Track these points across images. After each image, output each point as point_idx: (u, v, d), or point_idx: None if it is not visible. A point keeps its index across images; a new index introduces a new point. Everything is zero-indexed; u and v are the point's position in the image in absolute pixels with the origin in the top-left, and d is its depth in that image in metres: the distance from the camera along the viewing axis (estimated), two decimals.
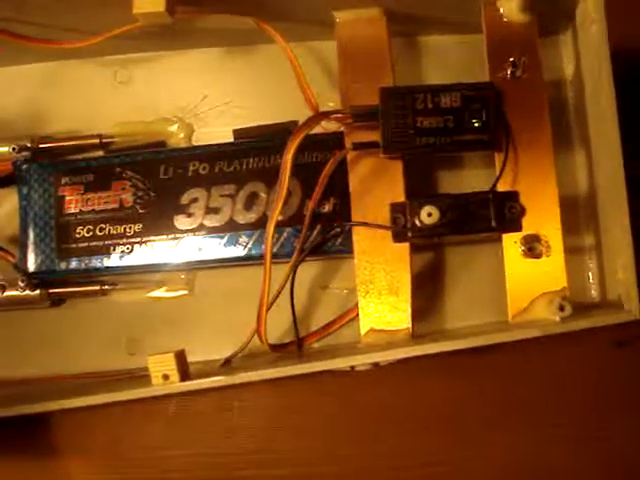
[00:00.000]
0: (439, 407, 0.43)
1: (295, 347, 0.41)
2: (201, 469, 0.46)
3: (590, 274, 0.42)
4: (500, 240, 0.39)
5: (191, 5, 0.39)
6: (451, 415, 0.44)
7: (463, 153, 0.40)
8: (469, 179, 0.42)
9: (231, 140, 0.44)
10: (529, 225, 0.38)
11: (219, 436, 0.46)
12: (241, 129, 0.44)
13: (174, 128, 0.45)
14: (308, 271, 0.42)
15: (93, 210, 0.42)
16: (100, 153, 0.45)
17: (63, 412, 0.42)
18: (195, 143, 0.44)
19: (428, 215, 0.36)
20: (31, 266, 0.43)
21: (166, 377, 0.36)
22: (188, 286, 0.44)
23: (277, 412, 0.46)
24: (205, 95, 0.45)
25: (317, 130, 0.39)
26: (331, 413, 0.45)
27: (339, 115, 0.38)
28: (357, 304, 0.40)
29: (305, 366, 0.37)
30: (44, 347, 0.45)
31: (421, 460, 0.44)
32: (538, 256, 0.38)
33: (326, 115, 0.38)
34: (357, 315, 0.40)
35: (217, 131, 0.44)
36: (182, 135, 0.45)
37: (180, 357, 0.37)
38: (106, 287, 0.44)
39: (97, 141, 0.44)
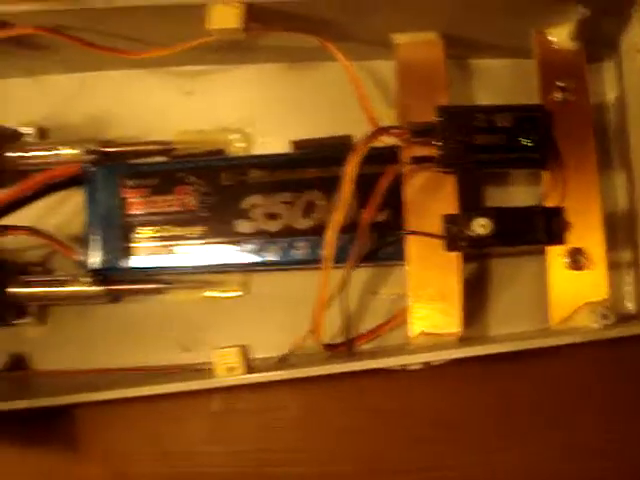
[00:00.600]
0: (475, 412, 0.46)
1: (345, 348, 0.43)
2: (240, 466, 0.48)
3: (627, 287, 0.44)
4: (544, 252, 0.41)
5: (262, 22, 0.41)
6: (487, 421, 0.46)
7: (512, 170, 0.43)
8: (513, 195, 0.45)
9: (288, 150, 0.46)
10: (573, 239, 0.40)
11: (260, 434, 0.48)
12: (299, 140, 0.46)
13: (233, 137, 0.47)
14: (358, 276, 0.45)
15: (157, 212, 0.45)
16: (162, 159, 0.47)
17: (106, 404, 0.45)
18: (253, 152, 0.47)
19: (481, 226, 0.39)
20: (95, 263, 0.45)
21: (231, 369, 0.39)
22: (243, 287, 0.46)
23: (318, 412, 0.48)
24: (264, 107, 0.47)
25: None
26: (372, 414, 0.47)
27: (398, 130, 0.41)
28: (405, 309, 0.43)
29: (362, 363, 0.39)
30: (100, 341, 0.47)
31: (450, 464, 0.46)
32: (580, 268, 0.41)
33: (386, 130, 0.41)
34: (405, 319, 0.42)
35: (274, 142, 0.47)
36: (241, 144, 0.47)
37: (244, 351, 0.39)
38: (164, 286, 0.46)
39: (160, 147, 0.47)
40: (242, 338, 0.44)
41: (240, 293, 0.46)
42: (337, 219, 0.40)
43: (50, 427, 0.49)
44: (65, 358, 0.47)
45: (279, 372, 0.40)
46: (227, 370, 0.39)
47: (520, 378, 0.45)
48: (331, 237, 0.40)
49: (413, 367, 0.40)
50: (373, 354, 0.42)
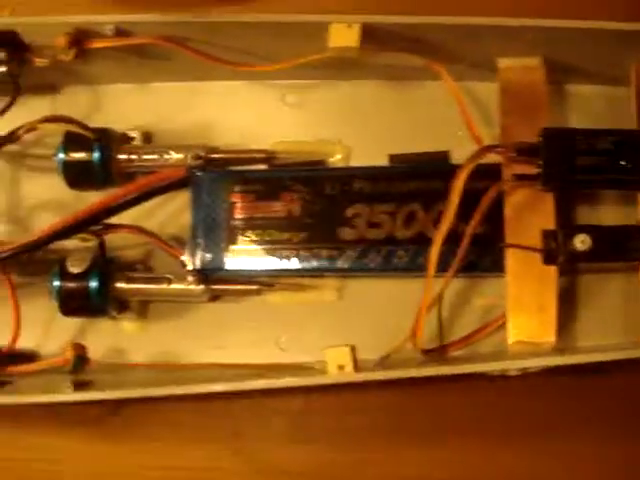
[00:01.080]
0: (566, 421, 0.48)
1: (440, 353, 0.45)
2: (320, 466, 0.50)
3: None
4: (637, 270, 0.43)
5: (376, 42, 0.44)
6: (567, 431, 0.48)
7: (609, 190, 0.45)
8: (602, 213, 0.47)
9: (385, 164, 0.49)
10: None
11: (340, 435, 0.50)
12: (396, 154, 0.49)
13: (334, 149, 0.50)
14: (452, 286, 0.47)
15: (261, 217, 0.47)
16: (262, 167, 0.50)
17: (195, 399, 0.47)
18: (351, 164, 0.49)
19: (581, 242, 0.41)
20: (199, 263, 0.47)
21: (341, 367, 0.41)
22: (338, 291, 0.49)
23: (400, 415, 0.50)
24: (363, 121, 0.50)
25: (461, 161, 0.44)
26: (456, 420, 0.49)
27: (503, 149, 0.43)
28: (497, 318, 0.45)
29: (464, 367, 0.42)
30: (197, 338, 0.49)
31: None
32: None
33: (492, 148, 0.43)
34: (496, 328, 0.45)
35: (372, 155, 0.49)
36: (340, 156, 0.50)
37: (353, 351, 0.41)
38: (263, 287, 0.48)
39: (263, 156, 0.49)
40: (336, 340, 0.47)
41: (336, 297, 0.48)
42: (443, 230, 0.42)
43: (134, 419, 0.51)
44: (162, 353, 0.49)
45: (387, 372, 0.42)
46: (338, 368, 0.41)
47: (606, 390, 0.47)
48: (436, 247, 0.42)
49: (511, 373, 0.42)
50: (469, 359, 0.44)
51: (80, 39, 0.46)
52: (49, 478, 0.52)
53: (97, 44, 0.46)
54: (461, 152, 0.47)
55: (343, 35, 0.43)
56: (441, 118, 0.48)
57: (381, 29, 0.43)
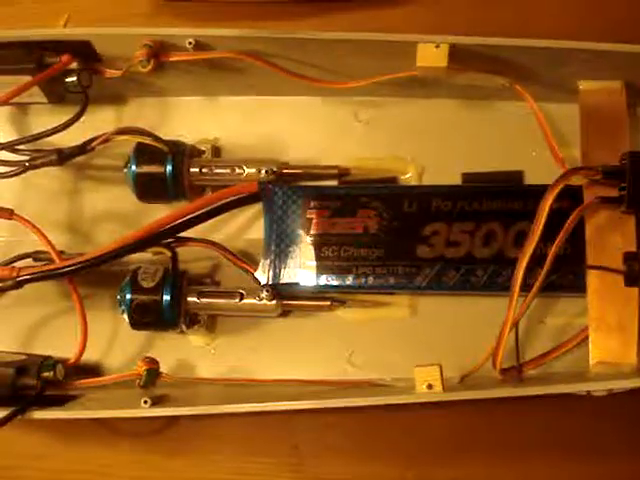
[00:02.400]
0: None
1: (516, 372, 0.46)
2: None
3: None
4: None
5: (461, 63, 0.44)
6: None
7: None
8: None
9: (457, 182, 0.49)
10: None
11: (406, 451, 0.50)
12: (470, 173, 0.49)
13: (406, 167, 0.50)
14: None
15: (337, 233, 0.47)
16: (334, 183, 0.50)
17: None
18: (424, 182, 0.49)
19: None
20: (272, 278, 0.47)
21: (430, 386, 0.41)
22: (411, 309, 0.49)
23: (473, 434, 0.50)
24: (437, 139, 0.50)
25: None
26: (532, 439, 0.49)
27: (589, 171, 0.44)
28: (572, 338, 0.46)
29: (548, 387, 0.42)
30: (268, 353, 0.49)
31: None
32: None
33: (578, 170, 0.43)
34: (571, 348, 0.46)
35: (443, 173, 0.49)
36: (411, 174, 0.50)
37: (441, 370, 0.41)
38: (335, 304, 0.48)
39: (335, 172, 0.49)
40: (407, 358, 0.47)
41: (408, 315, 0.49)
42: (529, 251, 0.43)
43: (189, 433, 0.51)
44: (230, 367, 0.49)
45: (477, 392, 0.42)
46: (427, 387, 0.41)
47: None
48: (522, 268, 0.43)
49: (597, 394, 0.42)
50: (547, 380, 0.45)
51: (158, 52, 0.46)
52: None
53: (176, 57, 0.46)
54: (535, 173, 0.48)
55: (431, 55, 0.43)
56: (515, 139, 0.49)
57: (467, 50, 0.44)
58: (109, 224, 0.52)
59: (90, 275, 0.49)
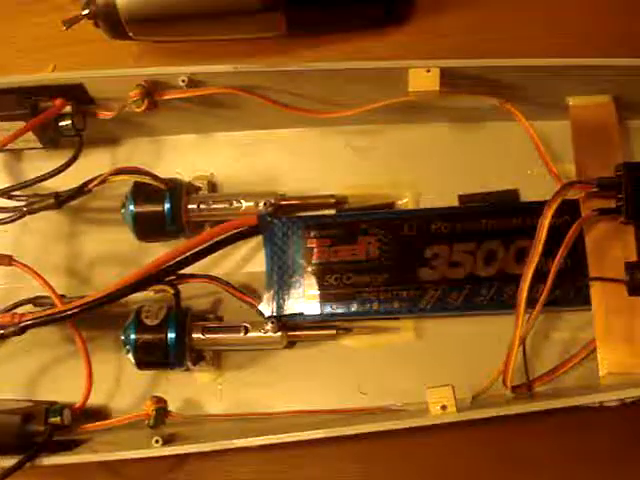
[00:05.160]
0: None
1: (526, 389, 0.46)
2: None
3: None
4: None
5: (451, 86, 0.45)
6: None
7: None
8: None
9: (454, 204, 0.49)
10: None
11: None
12: (466, 195, 0.49)
13: (402, 191, 0.50)
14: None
15: (339, 261, 0.47)
16: (331, 211, 0.50)
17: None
18: (421, 206, 0.50)
19: None
20: (276, 309, 0.47)
21: (444, 407, 0.41)
22: (415, 332, 0.49)
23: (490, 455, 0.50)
24: (431, 163, 0.50)
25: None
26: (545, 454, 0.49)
27: (584, 185, 0.44)
28: (580, 351, 0.46)
29: (560, 401, 0.42)
30: (275, 385, 0.49)
31: None
32: None
33: (573, 184, 0.44)
34: (579, 362, 0.46)
35: (440, 196, 0.50)
36: (409, 198, 0.50)
37: (454, 391, 0.41)
38: (340, 332, 0.48)
39: (332, 201, 0.50)
40: (415, 381, 0.47)
41: (413, 338, 0.49)
42: (532, 267, 0.43)
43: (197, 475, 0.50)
44: (238, 402, 0.49)
45: (492, 409, 0.42)
46: (441, 408, 0.41)
47: None
48: (526, 284, 0.43)
49: (610, 404, 0.42)
50: (558, 394, 0.45)
51: (152, 91, 0.46)
52: None
53: (170, 95, 0.47)
54: (532, 190, 0.49)
55: (423, 79, 0.44)
56: (509, 158, 0.49)
57: (456, 72, 0.44)
58: (109, 265, 0.52)
59: (92, 318, 0.49)
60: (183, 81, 0.46)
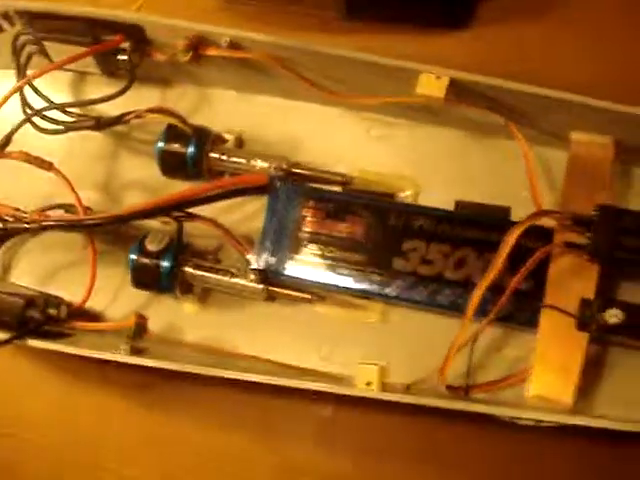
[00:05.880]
0: None
1: (463, 392, 0.48)
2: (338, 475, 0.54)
3: None
4: None
5: (459, 96, 0.48)
6: None
7: None
8: None
9: (450, 208, 0.52)
10: None
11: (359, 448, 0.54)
12: (463, 201, 0.52)
13: (405, 185, 0.53)
14: (487, 333, 0.50)
15: (326, 234, 0.51)
16: (337, 189, 0.54)
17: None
18: (420, 202, 0.53)
19: (613, 316, 0.44)
20: (263, 263, 0.52)
21: (369, 384, 0.45)
22: (382, 316, 0.52)
23: (421, 441, 0.53)
24: (438, 165, 0.53)
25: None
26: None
27: (559, 216, 0.46)
28: (523, 371, 0.48)
29: (477, 406, 0.45)
30: (248, 331, 0.54)
31: None
32: None
33: (548, 213, 0.46)
34: (521, 381, 0.48)
35: (438, 197, 0.53)
36: (408, 193, 0.53)
37: (382, 371, 0.45)
38: (315, 298, 0.52)
39: (340, 179, 0.53)
40: (371, 360, 0.50)
41: (379, 320, 0.52)
42: (488, 278, 0.46)
43: (183, 393, 0.56)
44: (213, 338, 0.54)
45: (406, 396, 0.45)
46: (365, 384, 0.44)
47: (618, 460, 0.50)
48: (479, 291, 0.46)
49: (523, 422, 0.45)
50: (487, 402, 0.47)
51: (197, 45, 0.51)
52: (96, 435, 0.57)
53: (211, 52, 0.51)
54: (522, 211, 0.50)
55: (431, 85, 0.47)
56: (510, 176, 0.51)
57: (465, 84, 0.47)
58: (137, 191, 0.57)
59: (112, 234, 0.55)
60: (225, 42, 0.51)
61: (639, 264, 0.45)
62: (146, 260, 0.52)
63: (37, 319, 0.52)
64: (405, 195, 0.53)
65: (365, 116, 0.54)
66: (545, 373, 0.46)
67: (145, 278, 0.52)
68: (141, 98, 0.56)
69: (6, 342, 0.50)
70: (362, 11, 0.57)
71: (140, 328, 0.51)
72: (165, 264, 0.52)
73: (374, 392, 0.44)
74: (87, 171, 0.58)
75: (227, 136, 0.56)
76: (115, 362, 0.51)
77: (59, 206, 0.55)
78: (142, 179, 0.57)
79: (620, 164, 0.50)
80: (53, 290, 0.55)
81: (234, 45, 0.51)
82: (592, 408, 0.48)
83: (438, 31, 0.59)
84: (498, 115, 0.49)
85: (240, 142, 0.56)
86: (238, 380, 0.48)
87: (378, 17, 0.58)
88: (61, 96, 0.58)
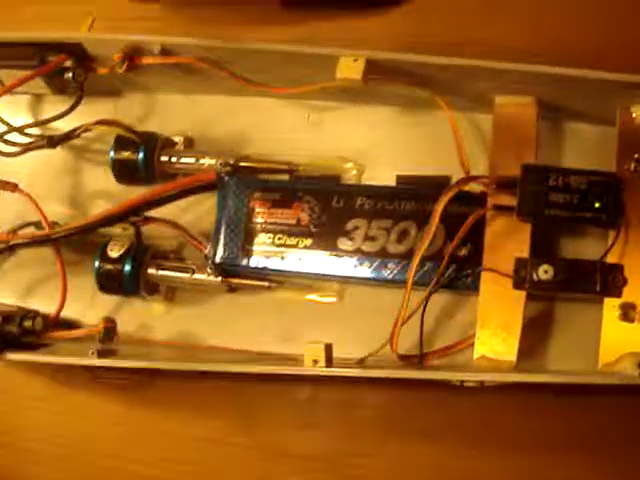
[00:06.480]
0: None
1: (417, 360, 0.50)
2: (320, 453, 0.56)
3: None
4: (602, 302, 0.47)
5: (380, 75, 0.49)
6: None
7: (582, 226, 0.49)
8: (583, 247, 0.50)
9: (393, 183, 0.53)
10: (628, 294, 0.46)
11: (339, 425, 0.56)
12: (403, 176, 0.53)
13: (349, 166, 0.55)
14: (437, 301, 0.51)
15: (275, 222, 0.53)
16: (285, 177, 0.55)
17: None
18: (363, 181, 0.54)
19: (544, 272, 0.45)
20: (218, 258, 0.54)
21: (315, 362, 0.46)
22: (338, 295, 0.54)
23: (393, 415, 0.55)
24: (377, 143, 0.55)
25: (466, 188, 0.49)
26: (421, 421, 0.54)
27: (485, 180, 0.47)
28: (474, 335, 0.49)
29: (425, 373, 0.46)
30: (215, 324, 0.56)
31: None
32: (631, 321, 0.46)
33: (474, 179, 0.47)
34: (472, 344, 0.49)
35: (382, 174, 0.54)
36: (354, 173, 0.55)
37: (328, 349, 0.47)
38: (273, 285, 0.54)
39: (285, 167, 0.55)
40: (331, 338, 0.51)
41: (335, 299, 0.54)
42: (422, 247, 0.47)
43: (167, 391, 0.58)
44: (183, 334, 0.56)
45: (353, 370, 0.47)
46: (313, 362, 0.46)
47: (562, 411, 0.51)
48: (416, 260, 0.47)
49: (469, 384, 0.46)
50: (437, 368, 0.49)
51: (132, 55, 0.53)
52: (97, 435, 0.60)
53: (146, 60, 0.53)
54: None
55: (349, 67, 0.48)
56: (448, 145, 0.52)
57: (383, 63, 0.48)
58: (100, 200, 0.60)
59: (79, 244, 0.57)
60: (157, 49, 0.53)
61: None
62: (109, 266, 0.55)
63: (14, 333, 0.54)
64: (350, 176, 0.55)
65: (303, 103, 0.56)
66: (489, 334, 0.47)
67: (110, 283, 0.55)
68: (96, 111, 0.58)
69: None
70: None
71: (109, 331, 0.54)
72: (127, 268, 0.54)
73: (319, 369, 0.46)
74: (52, 187, 0.60)
75: (176, 139, 0.58)
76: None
77: (29, 224, 0.58)
78: (104, 188, 0.59)
79: (547, 120, 0.50)
80: (32, 304, 0.58)
81: (166, 52, 0.53)
82: (540, 365, 0.49)
83: (379, 11, 0.60)
84: (422, 89, 0.49)
85: (190, 143, 0.58)
86: (212, 371, 0.51)
87: (314, 3, 0.59)
88: (21, 119, 0.60)
